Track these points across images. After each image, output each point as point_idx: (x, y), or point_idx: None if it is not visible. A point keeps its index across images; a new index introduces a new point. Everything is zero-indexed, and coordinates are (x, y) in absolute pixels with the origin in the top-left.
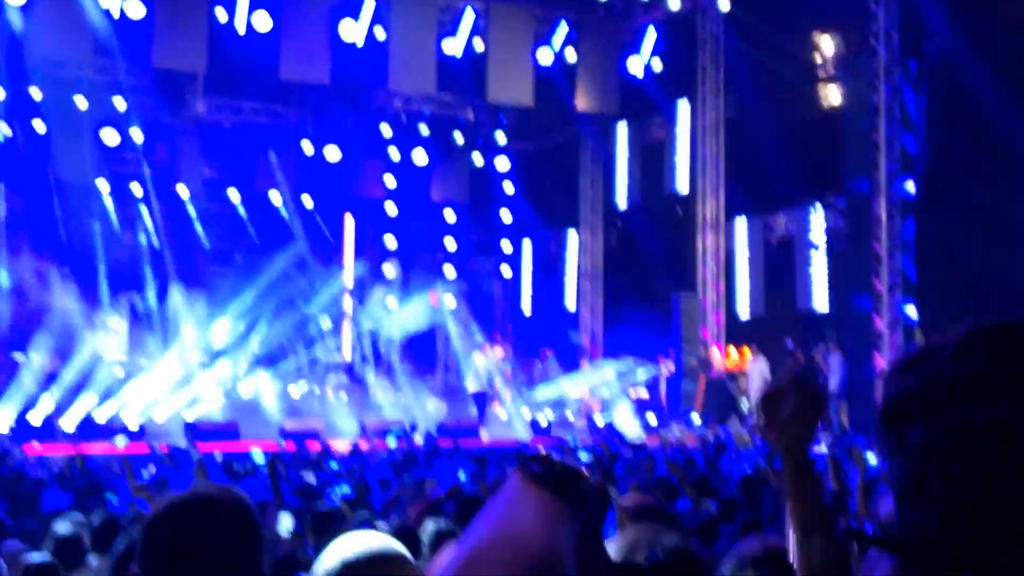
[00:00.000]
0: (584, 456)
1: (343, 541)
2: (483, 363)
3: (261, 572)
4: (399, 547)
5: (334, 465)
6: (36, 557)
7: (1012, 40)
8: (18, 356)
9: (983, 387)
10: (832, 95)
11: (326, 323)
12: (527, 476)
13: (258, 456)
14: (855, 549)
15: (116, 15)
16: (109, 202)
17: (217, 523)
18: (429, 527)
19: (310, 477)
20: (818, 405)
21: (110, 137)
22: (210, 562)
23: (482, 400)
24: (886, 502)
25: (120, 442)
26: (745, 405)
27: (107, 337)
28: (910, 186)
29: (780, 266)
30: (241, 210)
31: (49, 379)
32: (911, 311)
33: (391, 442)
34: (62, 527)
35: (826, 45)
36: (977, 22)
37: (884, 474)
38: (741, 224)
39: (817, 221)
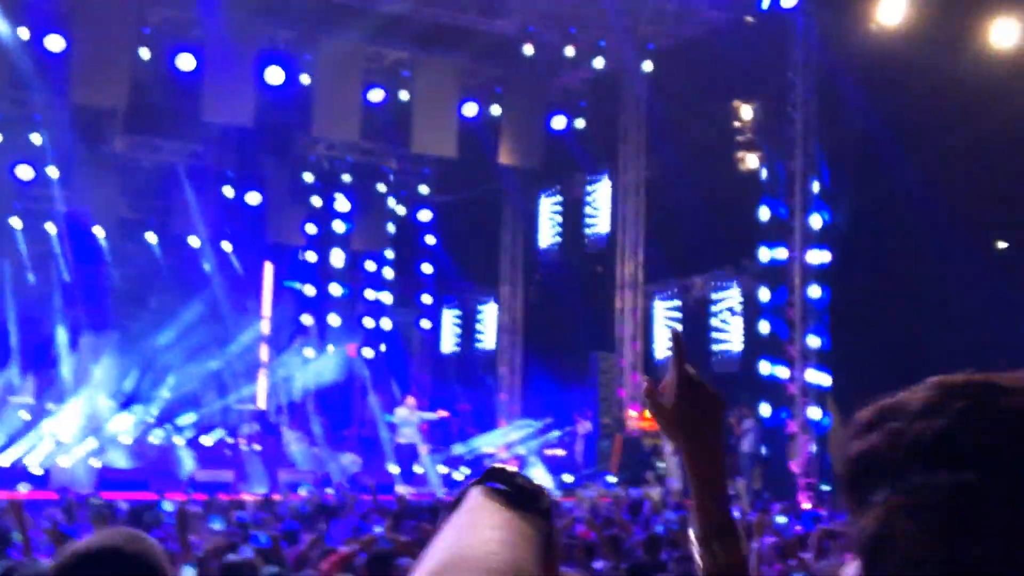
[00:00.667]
0: None
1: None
2: (407, 416)
3: None
4: None
5: (242, 516)
6: None
7: (922, 113)
8: None
9: (949, 449)
10: (750, 161)
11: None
12: (488, 491)
13: (168, 505)
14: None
15: (35, 48)
16: (21, 240)
17: (121, 566)
18: None
19: (217, 525)
20: (715, 401)
21: (25, 173)
22: None
23: (406, 454)
24: (851, 564)
25: (23, 488)
26: (660, 466)
27: (13, 379)
28: (824, 255)
29: (697, 328)
30: (157, 252)
31: None
32: (823, 379)
33: (303, 492)
34: None
35: (746, 112)
36: (890, 96)
37: (845, 533)
38: (659, 286)
39: (733, 286)
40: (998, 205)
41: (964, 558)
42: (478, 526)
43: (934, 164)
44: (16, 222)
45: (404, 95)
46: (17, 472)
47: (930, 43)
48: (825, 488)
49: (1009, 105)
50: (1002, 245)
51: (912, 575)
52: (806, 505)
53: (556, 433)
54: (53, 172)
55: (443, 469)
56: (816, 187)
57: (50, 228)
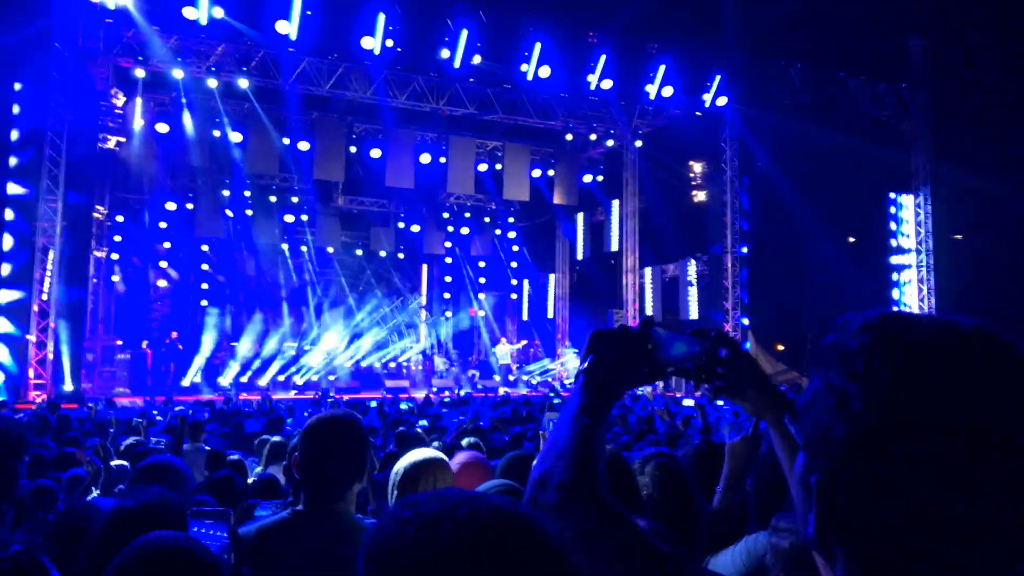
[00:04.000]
0: (557, 400)
1: (413, 452)
2: (504, 349)
3: (366, 458)
4: (441, 456)
5: (403, 406)
6: (233, 456)
7: (803, 165)
8: (234, 344)
9: (848, 361)
10: (700, 195)
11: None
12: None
13: (372, 403)
14: None
15: (292, 149)
16: (288, 257)
17: (342, 427)
18: (462, 442)
19: (404, 406)
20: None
21: (288, 218)
22: (337, 451)
23: (504, 370)
24: None
25: (291, 394)
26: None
27: (285, 334)
28: (744, 249)
29: (671, 294)
30: (363, 261)
31: (252, 357)
32: (745, 321)
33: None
34: (267, 442)
35: (697, 167)
36: (784, 154)
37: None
38: (648, 270)
39: (691, 269)
40: (849, 216)
41: (835, 434)
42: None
43: (810, 192)
44: (284, 247)
45: (498, 166)
46: (288, 384)
47: (806, 119)
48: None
49: (862, 155)
50: (851, 240)
51: (812, 435)
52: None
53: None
54: (304, 217)
55: (525, 377)
56: (739, 209)
57: (303, 249)
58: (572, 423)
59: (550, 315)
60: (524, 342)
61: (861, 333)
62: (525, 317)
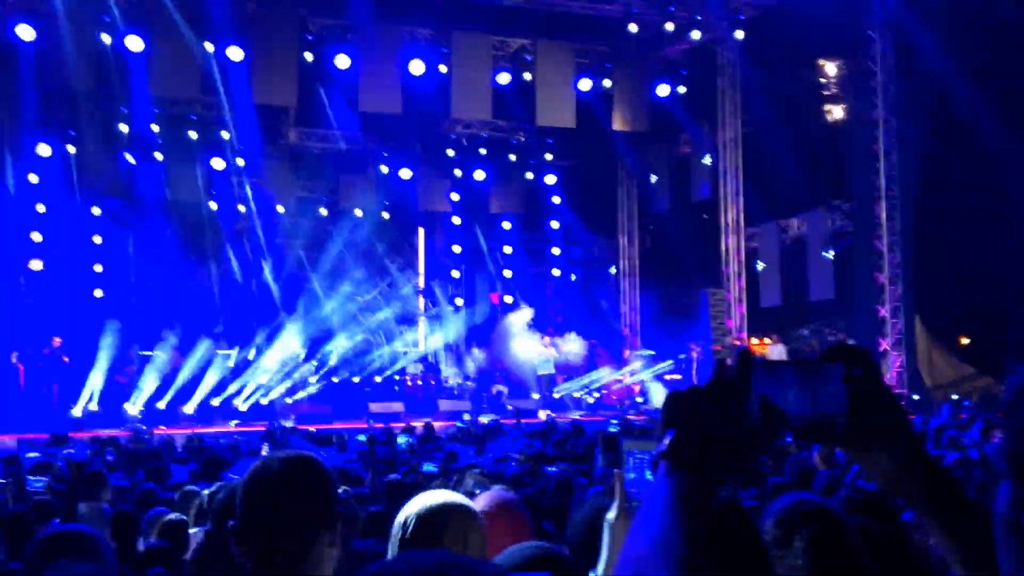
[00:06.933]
0: (614, 429)
1: (424, 495)
2: (543, 352)
3: (334, 521)
4: (465, 500)
5: (401, 440)
6: (173, 516)
7: (995, 58)
8: (145, 352)
9: None
10: (836, 112)
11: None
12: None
13: (360, 437)
14: None
15: (219, 58)
16: (219, 222)
17: (295, 481)
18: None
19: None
20: None
21: (217, 164)
22: (290, 510)
23: (548, 382)
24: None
25: (232, 424)
26: None
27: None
28: (908, 193)
29: (794, 263)
30: (329, 225)
31: (172, 372)
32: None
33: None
34: (199, 495)
35: (830, 68)
36: (964, 44)
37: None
38: (759, 228)
39: (826, 225)
40: None
41: None
42: None
43: (1006, 100)
44: (212, 206)
45: (527, 76)
46: (226, 411)
47: None
48: (915, 397)
49: None
50: None
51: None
52: None
53: (670, 362)
54: (240, 162)
55: (577, 394)
56: (897, 129)
57: (241, 209)
58: (661, 514)
59: (613, 303)
60: (576, 341)
61: None
62: (576, 305)
